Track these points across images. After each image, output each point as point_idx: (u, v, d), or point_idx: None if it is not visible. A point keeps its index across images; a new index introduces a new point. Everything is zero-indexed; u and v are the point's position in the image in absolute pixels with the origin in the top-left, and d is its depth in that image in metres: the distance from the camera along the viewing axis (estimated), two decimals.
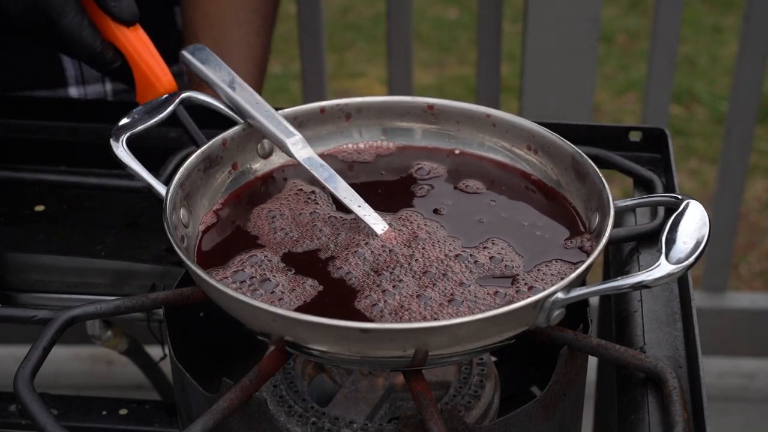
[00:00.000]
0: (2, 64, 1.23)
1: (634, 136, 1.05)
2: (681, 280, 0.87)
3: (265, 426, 0.74)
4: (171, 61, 0.99)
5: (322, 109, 0.92)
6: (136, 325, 1.05)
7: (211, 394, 0.76)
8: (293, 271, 0.78)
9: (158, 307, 0.81)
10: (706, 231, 0.76)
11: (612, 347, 0.77)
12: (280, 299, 0.76)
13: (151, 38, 0.95)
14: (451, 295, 0.76)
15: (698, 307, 0.83)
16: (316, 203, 0.86)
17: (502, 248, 0.80)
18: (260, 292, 0.76)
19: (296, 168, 0.89)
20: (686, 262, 0.74)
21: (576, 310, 0.80)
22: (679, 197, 0.81)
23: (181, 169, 0.83)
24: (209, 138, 0.88)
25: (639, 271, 0.77)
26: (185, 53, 0.91)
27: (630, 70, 3.28)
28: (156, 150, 1.01)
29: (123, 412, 0.92)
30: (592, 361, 0.86)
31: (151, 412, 0.92)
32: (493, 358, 0.93)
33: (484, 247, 0.80)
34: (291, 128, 0.88)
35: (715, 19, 3.50)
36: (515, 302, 0.70)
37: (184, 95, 0.90)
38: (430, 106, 0.93)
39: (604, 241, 0.76)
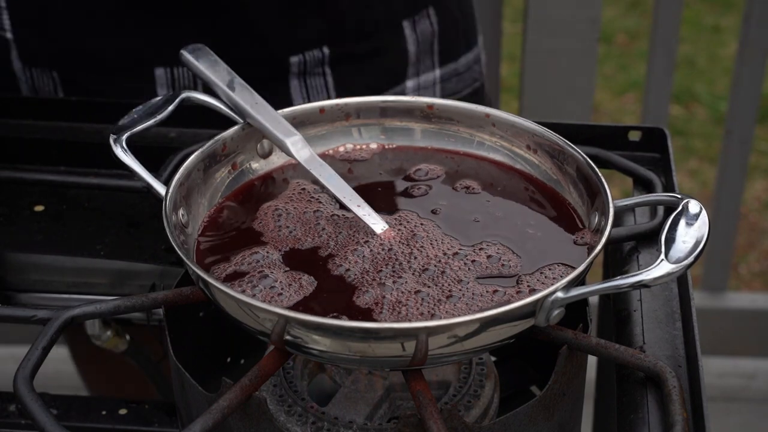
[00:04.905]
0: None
1: (634, 136, 1.05)
2: (680, 279, 0.87)
3: (265, 425, 0.74)
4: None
5: (322, 109, 0.92)
6: (136, 325, 1.05)
7: (211, 393, 0.76)
8: (292, 268, 0.78)
9: (158, 307, 0.81)
10: (705, 230, 0.76)
11: (611, 346, 0.77)
12: (279, 294, 0.76)
13: None
14: (449, 292, 0.76)
15: (698, 307, 0.83)
16: (320, 202, 0.86)
17: (499, 248, 0.80)
18: (259, 287, 0.76)
19: (296, 168, 0.89)
20: (686, 262, 0.73)
21: (575, 309, 0.80)
22: (679, 196, 0.81)
23: (181, 169, 0.83)
24: (209, 138, 0.88)
25: (638, 270, 0.76)
26: (185, 53, 0.91)
27: (630, 70, 3.28)
28: (156, 150, 1.01)
29: (123, 412, 0.92)
30: (592, 361, 0.86)
31: (150, 412, 0.92)
32: (493, 358, 0.93)
33: (481, 248, 0.80)
34: (291, 128, 0.88)
35: (715, 19, 3.50)
36: (514, 300, 0.70)
37: (183, 95, 0.90)
38: (430, 106, 0.92)
39: (603, 240, 0.76)
